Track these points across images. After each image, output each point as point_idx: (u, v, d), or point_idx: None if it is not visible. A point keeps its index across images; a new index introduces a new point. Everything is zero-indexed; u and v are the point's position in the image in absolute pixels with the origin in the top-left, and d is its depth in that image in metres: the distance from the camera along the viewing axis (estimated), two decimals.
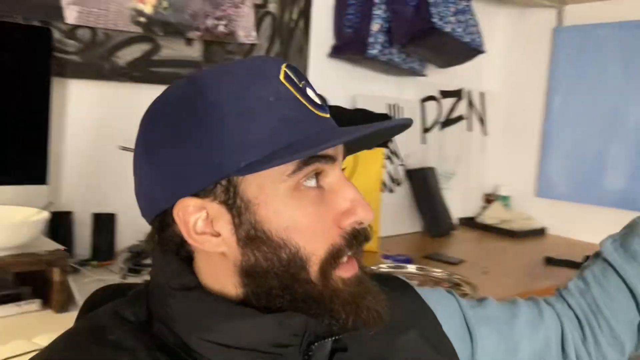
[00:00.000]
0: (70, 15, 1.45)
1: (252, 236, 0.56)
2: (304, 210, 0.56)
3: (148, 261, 1.52)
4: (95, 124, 1.56)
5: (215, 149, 0.54)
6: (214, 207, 0.56)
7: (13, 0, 1.37)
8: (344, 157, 0.61)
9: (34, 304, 1.20)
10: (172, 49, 1.64)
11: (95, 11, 1.49)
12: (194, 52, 1.68)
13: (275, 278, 0.55)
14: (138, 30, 1.56)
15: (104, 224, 1.56)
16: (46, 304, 1.21)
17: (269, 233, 0.55)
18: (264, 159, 0.53)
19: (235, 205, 0.56)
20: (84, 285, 1.34)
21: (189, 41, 1.66)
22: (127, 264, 1.49)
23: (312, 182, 0.57)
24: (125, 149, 1.48)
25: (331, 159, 0.57)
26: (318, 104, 0.58)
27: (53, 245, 1.24)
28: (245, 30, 1.75)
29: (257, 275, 0.56)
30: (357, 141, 0.59)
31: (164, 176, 0.56)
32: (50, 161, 1.35)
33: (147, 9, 1.57)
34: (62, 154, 1.52)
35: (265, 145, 0.53)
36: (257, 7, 1.77)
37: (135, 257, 1.55)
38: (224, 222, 0.56)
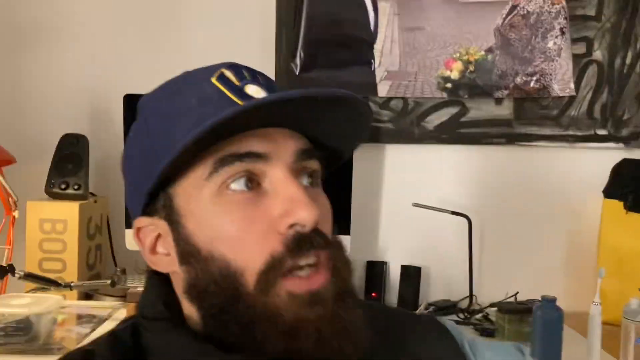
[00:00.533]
0: (383, 89, 1.67)
1: (185, 252, 0.52)
2: (230, 217, 0.50)
3: (448, 316, 1.57)
4: (407, 183, 1.72)
5: (147, 160, 0.52)
6: (161, 225, 0.53)
7: (341, 83, 1.67)
8: (303, 156, 0.53)
9: None
10: (480, 109, 1.68)
11: (405, 83, 1.67)
12: (504, 110, 1.68)
13: (213, 297, 0.50)
14: (444, 95, 1.67)
15: (411, 275, 1.68)
16: None
17: (198, 246, 0.51)
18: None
19: (173, 220, 0.52)
20: None
21: (498, 100, 1.68)
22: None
23: (240, 185, 0.50)
24: (418, 205, 1.59)
25: (261, 156, 0.50)
26: (251, 97, 0.52)
27: None
28: (561, 83, 1.65)
29: (199, 295, 0.51)
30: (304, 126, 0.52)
31: (129, 197, 0.57)
32: (353, 214, 1.56)
33: (454, 75, 1.66)
34: (379, 209, 1.73)
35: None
36: (578, 57, 1.65)
37: (437, 310, 1.61)
38: (170, 239, 0.53)
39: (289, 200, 0.49)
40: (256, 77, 0.54)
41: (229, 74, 0.53)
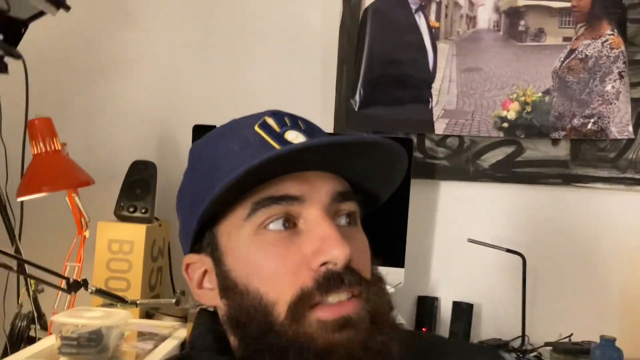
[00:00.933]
0: (440, 127, 1.71)
1: (225, 286, 0.55)
2: (265, 254, 0.53)
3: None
4: (461, 219, 1.73)
5: (194, 202, 0.56)
6: (207, 261, 0.57)
7: (399, 120, 1.72)
8: (339, 197, 0.56)
9: None
10: (536, 149, 1.70)
11: (461, 122, 1.70)
12: (560, 151, 1.69)
13: (249, 328, 0.53)
14: (501, 135, 1.70)
15: (462, 312, 1.68)
16: None
17: (235, 281, 0.54)
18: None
19: (216, 257, 0.56)
20: None
21: (554, 141, 1.69)
22: None
23: (276, 226, 0.53)
24: (473, 241, 1.61)
25: (296, 199, 0.53)
26: (290, 142, 0.55)
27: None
28: (619, 126, 1.66)
29: (237, 326, 0.54)
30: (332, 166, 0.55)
31: (181, 235, 0.61)
32: (408, 249, 1.58)
33: (510, 115, 1.69)
34: (432, 245, 1.75)
35: None
36: (636, 100, 1.66)
37: None
38: (214, 275, 0.57)
39: (321, 238, 0.52)
40: (297, 123, 0.57)
41: (271, 121, 0.56)
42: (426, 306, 1.73)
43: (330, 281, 0.51)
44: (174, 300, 1.36)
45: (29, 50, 1.41)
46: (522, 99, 1.69)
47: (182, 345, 1.36)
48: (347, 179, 0.58)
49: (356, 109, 1.72)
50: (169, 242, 1.72)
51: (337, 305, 0.51)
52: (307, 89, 1.77)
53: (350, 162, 0.56)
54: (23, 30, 1.45)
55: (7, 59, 1.42)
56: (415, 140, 1.72)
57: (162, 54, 1.82)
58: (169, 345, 1.32)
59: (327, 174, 0.56)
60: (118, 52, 1.83)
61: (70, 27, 1.76)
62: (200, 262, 0.58)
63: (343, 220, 0.57)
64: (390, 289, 1.39)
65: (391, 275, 1.52)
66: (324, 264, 0.51)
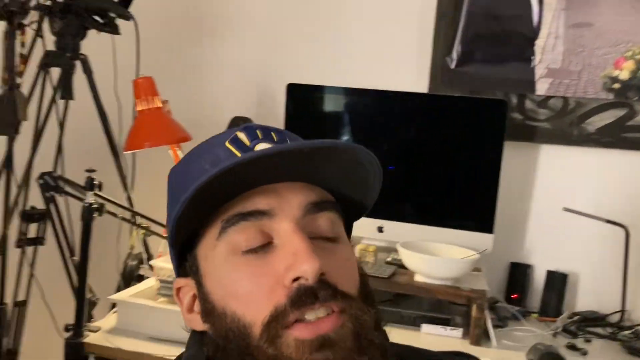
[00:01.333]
0: (542, 87, 1.62)
1: (206, 310, 0.53)
2: (239, 275, 0.50)
3: (593, 329, 1.50)
4: (560, 186, 1.65)
5: (169, 224, 0.53)
6: (192, 285, 0.55)
7: (497, 79, 1.65)
8: (314, 208, 0.52)
9: (457, 332, 1.41)
10: None
11: (566, 82, 1.59)
12: None
13: (229, 351, 0.51)
14: (610, 96, 1.57)
15: (556, 281, 1.62)
16: (467, 335, 1.40)
17: (214, 304, 0.52)
18: None
19: (197, 279, 0.54)
20: (508, 332, 1.46)
21: None
22: (565, 324, 1.51)
23: (250, 244, 0.51)
24: (569, 210, 1.53)
25: (265, 213, 0.51)
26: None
27: (479, 285, 1.43)
28: None
29: (220, 350, 0.52)
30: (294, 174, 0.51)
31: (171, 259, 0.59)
32: (499, 213, 1.53)
33: (623, 75, 1.55)
34: (528, 211, 1.68)
35: None
36: None
37: (582, 321, 1.54)
38: (199, 299, 0.55)
39: (292, 254, 0.49)
40: (269, 135, 0.53)
41: (242, 135, 0.53)
42: (518, 273, 1.68)
43: (302, 297, 0.48)
44: None
45: (138, 11, 1.51)
46: (638, 57, 1.54)
47: None
48: (327, 188, 0.55)
49: (452, 67, 1.67)
50: None
51: (314, 324, 0.48)
52: (403, 47, 1.74)
53: (321, 169, 0.52)
54: None
55: (119, 21, 1.55)
56: (515, 100, 1.64)
57: (262, 13, 1.86)
58: None
59: (300, 184, 0.53)
60: (220, 14, 1.90)
61: None
62: (188, 286, 0.55)
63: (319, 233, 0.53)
64: (474, 255, 1.38)
65: (477, 240, 1.50)
66: (296, 279, 0.48)
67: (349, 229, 0.60)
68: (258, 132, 0.54)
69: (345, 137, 1.63)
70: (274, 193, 0.51)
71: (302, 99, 1.66)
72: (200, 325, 0.54)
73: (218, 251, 0.51)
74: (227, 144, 0.53)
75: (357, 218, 0.61)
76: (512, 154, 1.56)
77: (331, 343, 0.48)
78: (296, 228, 0.50)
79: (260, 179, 0.51)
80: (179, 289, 0.57)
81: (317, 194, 0.53)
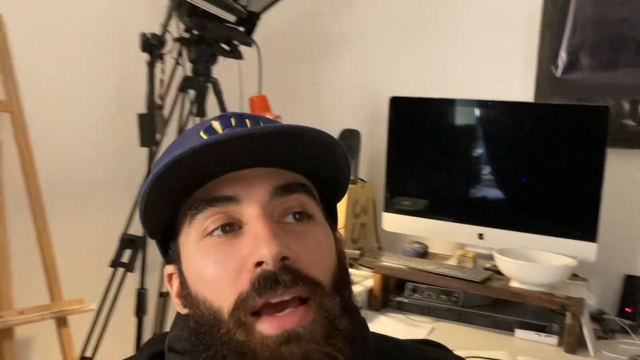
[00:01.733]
0: None
1: (184, 295, 0.55)
2: (207, 260, 0.51)
3: None
4: None
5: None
6: (177, 272, 0.57)
7: (607, 86, 1.61)
8: (282, 193, 0.53)
9: (551, 339, 1.41)
10: None
11: None
12: None
13: (201, 336, 0.52)
14: None
15: None
16: (562, 342, 1.39)
17: (189, 290, 0.54)
18: None
19: (178, 266, 0.56)
20: (612, 344, 1.41)
21: None
22: None
23: (218, 230, 0.52)
24: None
25: (231, 199, 0.52)
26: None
27: (577, 294, 1.41)
28: None
29: (195, 334, 0.53)
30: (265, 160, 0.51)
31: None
32: (605, 223, 1.49)
33: None
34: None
35: None
36: None
37: None
38: (180, 285, 0.57)
39: (254, 238, 0.50)
40: (243, 122, 0.54)
41: (216, 124, 0.54)
42: (634, 286, 1.61)
43: (264, 282, 0.49)
44: (357, 252, 1.55)
45: (259, 36, 1.71)
46: None
47: (370, 291, 1.55)
48: (304, 172, 0.56)
49: (557, 75, 1.66)
50: (374, 200, 1.92)
51: (281, 318, 0.49)
52: (509, 58, 1.76)
53: (291, 153, 0.53)
54: (257, 21, 1.77)
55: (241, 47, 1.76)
56: (627, 106, 1.59)
57: (366, 33, 1.99)
58: (356, 290, 1.52)
59: (269, 169, 0.53)
60: (332, 33, 2.06)
61: (296, 9, 2.04)
62: (175, 274, 0.57)
63: (290, 217, 0.53)
64: (571, 262, 1.37)
65: (579, 249, 1.48)
66: (258, 264, 0.49)
67: (332, 211, 0.61)
68: (232, 119, 0.54)
69: (446, 148, 1.69)
70: (242, 179, 0.52)
71: (405, 110, 1.75)
72: (183, 310, 0.55)
73: (190, 238, 0.53)
74: (201, 133, 0.53)
75: (339, 199, 0.62)
76: (625, 162, 1.52)
77: (298, 337, 0.48)
78: (261, 212, 0.51)
79: (225, 167, 0.52)
80: (170, 276, 0.58)
81: (286, 178, 0.54)
